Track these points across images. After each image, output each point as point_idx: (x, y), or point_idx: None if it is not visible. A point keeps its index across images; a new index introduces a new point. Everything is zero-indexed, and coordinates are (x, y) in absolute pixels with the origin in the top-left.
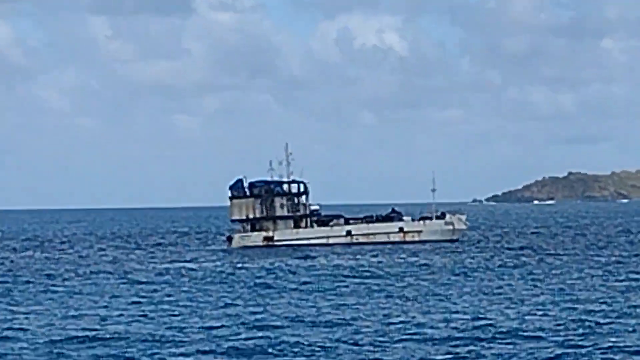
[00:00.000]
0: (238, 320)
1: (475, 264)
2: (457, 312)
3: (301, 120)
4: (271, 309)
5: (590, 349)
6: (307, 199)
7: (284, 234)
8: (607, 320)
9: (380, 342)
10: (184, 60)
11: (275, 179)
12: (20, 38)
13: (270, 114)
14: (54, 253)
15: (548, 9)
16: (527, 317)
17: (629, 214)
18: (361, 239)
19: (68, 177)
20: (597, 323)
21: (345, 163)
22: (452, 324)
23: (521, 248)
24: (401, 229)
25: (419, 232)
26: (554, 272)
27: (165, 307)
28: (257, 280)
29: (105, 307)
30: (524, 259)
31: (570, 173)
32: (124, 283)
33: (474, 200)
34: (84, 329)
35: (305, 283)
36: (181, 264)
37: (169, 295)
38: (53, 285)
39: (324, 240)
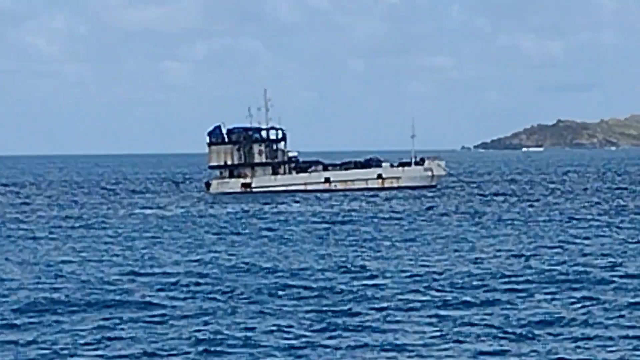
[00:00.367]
0: (198, 265)
1: (445, 209)
2: (414, 258)
3: (290, 66)
4: (233, 256)
5: (536, 291)
6: (285, 145)
7: (262, 181)
8: (554, 262)
9: (337, 288)
10: (174, 6)
11: (254, 125)
12: None
13: (259, 61)
14: (29, 198)
15: None
16: (481, 264)
17: (614, 161)
18: (339, 186)
19: (55, 124)
20: (548, 270)
21: (333, 109)
22: (408, 271)
23: (495, 194)
24: (379, 176)
25: (398, 178)
26: (518, 218)
27: (127, 253)
28: (225, 226)
29: (75, 251)
30: (494, 205)
31: (559, 121)
32: (93, 228)
33: (463, 148)
34: (54, 274)
35: (270, 229)
36: (153, 210)
37: (133, 240)
38: (20, 229)
39: (301, 187)
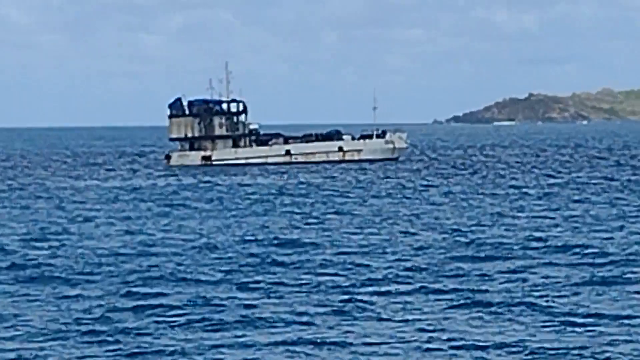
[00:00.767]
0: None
1: (399, 181)
2: (354, 230)
3: (263, 38)
4: (180, 228)
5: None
6: (246, 118)
7: (223, 154)
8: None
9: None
10: None
11: (215, 98)
12: None
13: (233, 33)
14: None
15: None
16: (415, 236)
17: (578, 136)
18: (300, 159)
19: (29, 95)
20: (483, 243)
21: (306, 82)
22: (348, 239)
23: (453, 167)
24: (340, 148)
25: (359, 150)
26: (466, 190)
27: (74, 224)
28: (178, 199)
29: (32, 222)
30: (448, 177)
31: (531, 94)
32: (48, 198)
33: (435, 121)
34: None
35: (210, 201)
36: (108, 183)
37: (80, 211)
38: None
39: (262, 160)
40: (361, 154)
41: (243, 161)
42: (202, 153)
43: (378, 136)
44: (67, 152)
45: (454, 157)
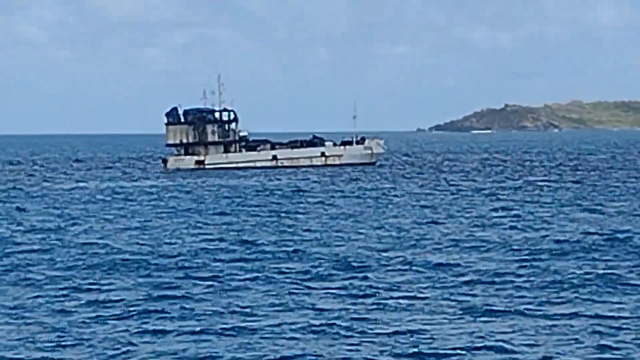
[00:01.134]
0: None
1: (373, 184)
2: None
3: (259, 53)
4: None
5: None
6: (236, 126)
7: (215, 158)
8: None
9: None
10: None
11: (208, 107)
12: None
13: (231, 48)
14: None
15: None
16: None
17: (543, 144)
18: (286, 163)
19: (41, 105)
20: (457, 239)
21: (298, 93)
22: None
23: (426, 172)
24: (323, 154)
25: (340, 156)
26: (431, 192)
27: (77, 224)
28: (173, 199)
29: (25, 222)
30: (421, 180)
31: (506, 105)
32: (40, 197)
33: (418, 130)
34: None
35: (198, 201)
36: (107, 184)
37: (86, 210)
38: None
39: (251, 164)
40: (342, 159)
41: (233, 165)
42: (196, 157)
43: (357, 142)
44: (76, 156)
45: (423, 161)
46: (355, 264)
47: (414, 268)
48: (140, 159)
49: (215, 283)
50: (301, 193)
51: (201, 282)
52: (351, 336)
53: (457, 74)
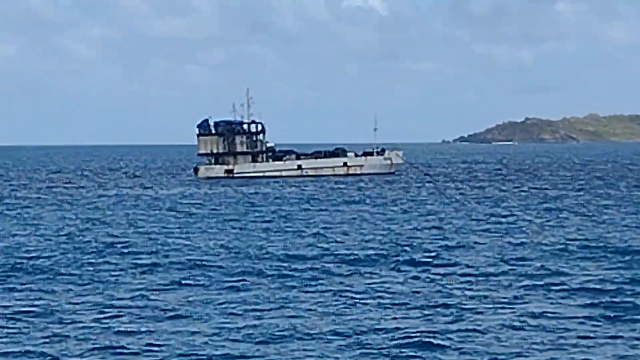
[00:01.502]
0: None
1: (391, 193)
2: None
3: (291, 69)
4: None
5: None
6: (264, 137)
7: (243, 167)
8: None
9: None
10: (194, 16)
11: (237, 119)
12: None
13: (268, 65)
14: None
15: None
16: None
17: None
18: (310, 172)
19: (87, 117)
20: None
21: (330, 107)
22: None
23: (446, 181)
24: (345, 164)
25: (361, 166)
26: (450, 203)
27: (116, 227)
28: (206, 205)
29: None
30: (436, 190)
31: (527, 118)
32: (78, 205)
33: (443, 141)
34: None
35: (213, 209)
36: (142, 191)
37: (125, 215)
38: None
39: (277, 173)
40: (363, 169)
41: (260, 174)
42: (226, 167)
43: (378, 153)
44: (120, 164)
45: (441, 171)
46: (360, 265)
47: (414, 269)
48: (174, 167)
49: (234, 284)
50: (321, 199)
51: (221, 283)
52: (359, 339)
53: (479, 88)
